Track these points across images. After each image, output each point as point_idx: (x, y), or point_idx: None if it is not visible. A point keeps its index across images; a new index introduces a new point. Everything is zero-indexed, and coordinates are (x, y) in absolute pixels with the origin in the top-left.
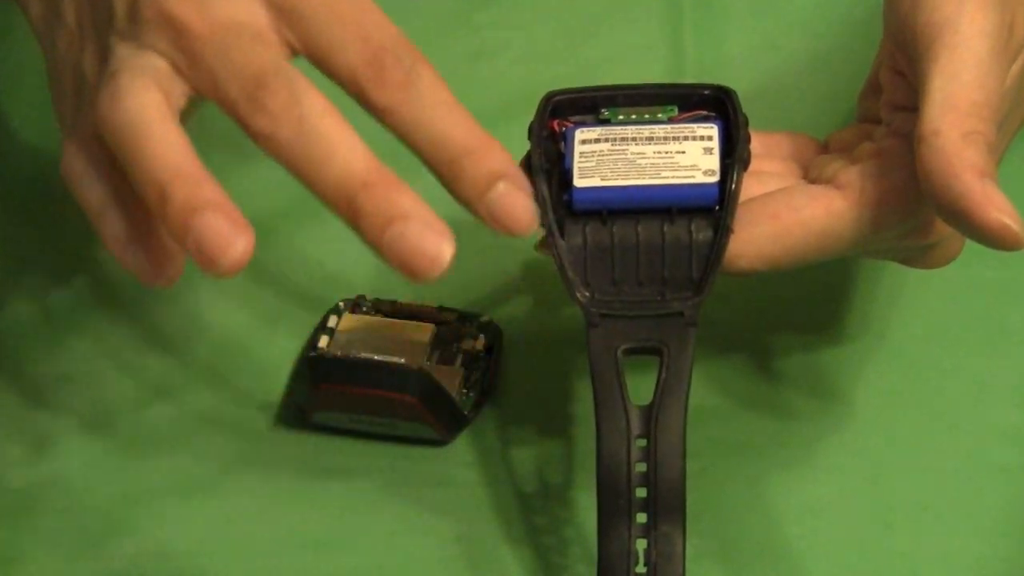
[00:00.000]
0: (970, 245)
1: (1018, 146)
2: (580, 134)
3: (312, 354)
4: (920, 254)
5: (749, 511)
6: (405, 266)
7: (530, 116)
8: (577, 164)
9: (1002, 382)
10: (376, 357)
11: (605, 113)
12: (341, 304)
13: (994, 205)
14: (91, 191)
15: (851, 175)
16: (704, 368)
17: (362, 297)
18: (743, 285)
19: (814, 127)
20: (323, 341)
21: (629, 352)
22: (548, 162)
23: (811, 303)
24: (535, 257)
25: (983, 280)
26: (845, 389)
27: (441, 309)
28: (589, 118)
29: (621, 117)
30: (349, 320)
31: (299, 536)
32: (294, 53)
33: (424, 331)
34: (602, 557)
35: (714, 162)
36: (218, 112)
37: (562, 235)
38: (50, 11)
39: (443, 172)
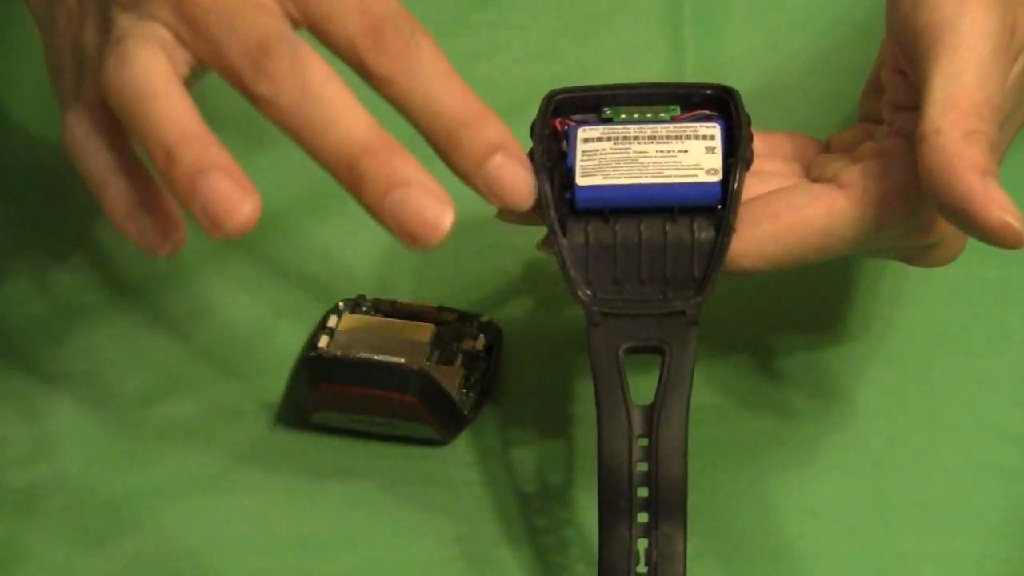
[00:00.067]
0: (971, 245)
1: (1020, 146)
2: (582, 133)
3: (312, 354)
4: (921, 253)
5: (750, 510)
6: (406, 232)
7: (530, 116)
8: (579, 163)
9: (1002, 382)
10: (376, 357)
11: (607, 112)
12: (341, 304)
13: (996, 203)
14: (94, 161)
15: (853, 174)
16: (705, 367)
17: (362, 297)
18: (745, 285)
19: (815, 127)
20: (323, 341)
21: (631, 351)
22: (550, 161)
23: (812, 303)
24: (536, 257)
25: (984, 280)
26: (846, 389)
27: (441, 309)
28: (591, 117)
29: (623, 116)
30: (349, 320)
31: (299, 536)
32: (295, 24)
33: (424, 331)
34: (603, 557)
35: (716, 161)
36: (214, 115)
37: (564, 234)
38: None
39: (440, 143)
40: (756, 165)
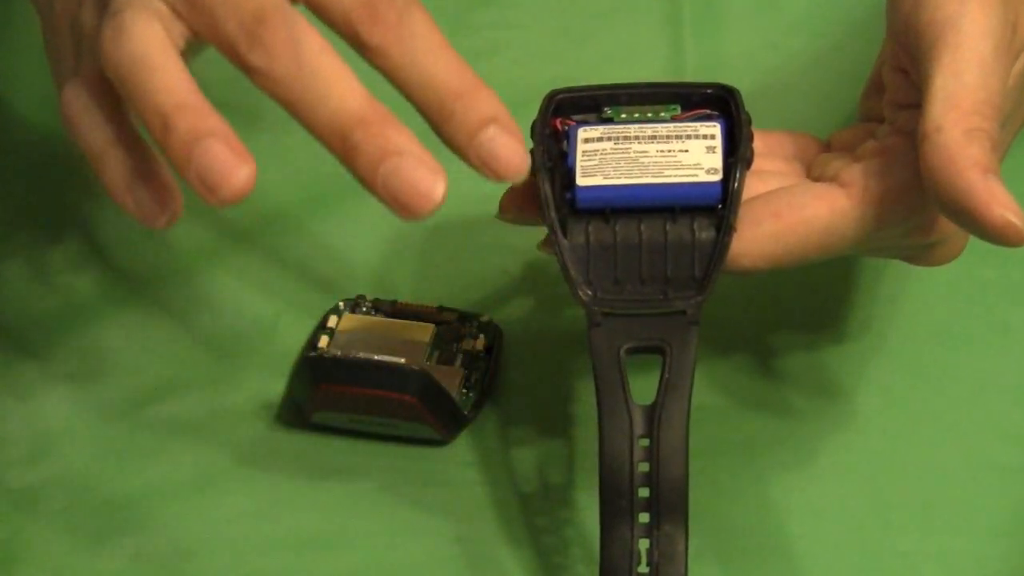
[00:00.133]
0: (972, 244)
1: (1021, 144)
2: (583, 133)
3: (312, 354)
4: (923, 252)
5: (750, 510)
6: (398, 202)
7: (530, 116)
8: (580, 163)
9: (1003, 382)
10: (376, 357)
11: (608, 112)
12: (341, 304)
13: (998, 201)
14: (92, 133)
15: (854, 173)
16: (706, 367)
17: (362, 297)
18: (745, 284)
19: (816, 126)
20: (323, 341)
21: (632, 351)
22: (551, 161)
23: (813, 302)
24: (536, 257)
25: (984, 280)
26: (847, 388)
27: (441, 309)
28: (592, 117)
29: (624, 116)
30: (349, 320)
31: (299, 536)
32: None
33: (424, 331)
34: (604, 557)
35: (717, 161)
36: None
37: (565, 234)
38: None
39: (433, 115)
40: (757, 164)
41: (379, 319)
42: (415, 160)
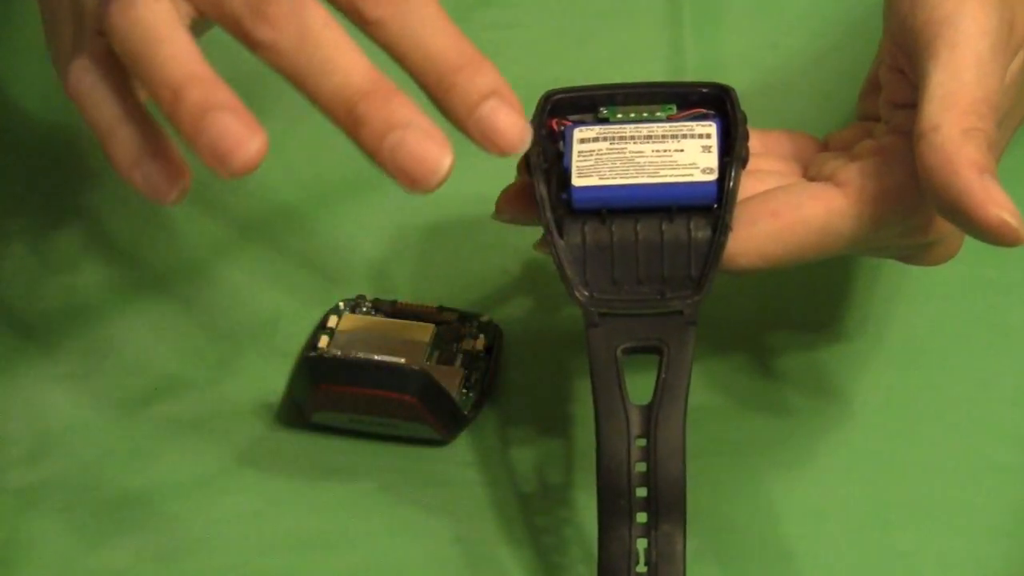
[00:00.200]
0: (970, 244)
1: (1018, 144)
2: (579, 133)
3: (312, 354)
4: (920, 252)
5: (749, 510)
6: (404, 174)
7: (529, 116)
8: (576, 163)
9: (1002, 382)
10: (376, 357)
11: (604, 112)
12: (341, 304)
13: (993, 201)
14: (99, 109)
15: (851, 173)
16: (704, 367)
17: (362, 297)
18: (742, 284)
19: (816, 126)
20: (323, 341)
21: (629, 351)
22: (547, 161)
23: (811, 302)
24: (535, 257)
25: (983, 279)
26: (845, 388)
27: (441, 309)
28: (588, 117)
29: (620, 116)
30: (349, 320)
31: (299, 536)
32: None
33: (424, 331)
34: (602, 557)
35: (713, 160)
36: None
37: (561, 234)
38: None
39: (433, 87)
40: (754, 164)
41: (379, 319)
42: (421, 133)
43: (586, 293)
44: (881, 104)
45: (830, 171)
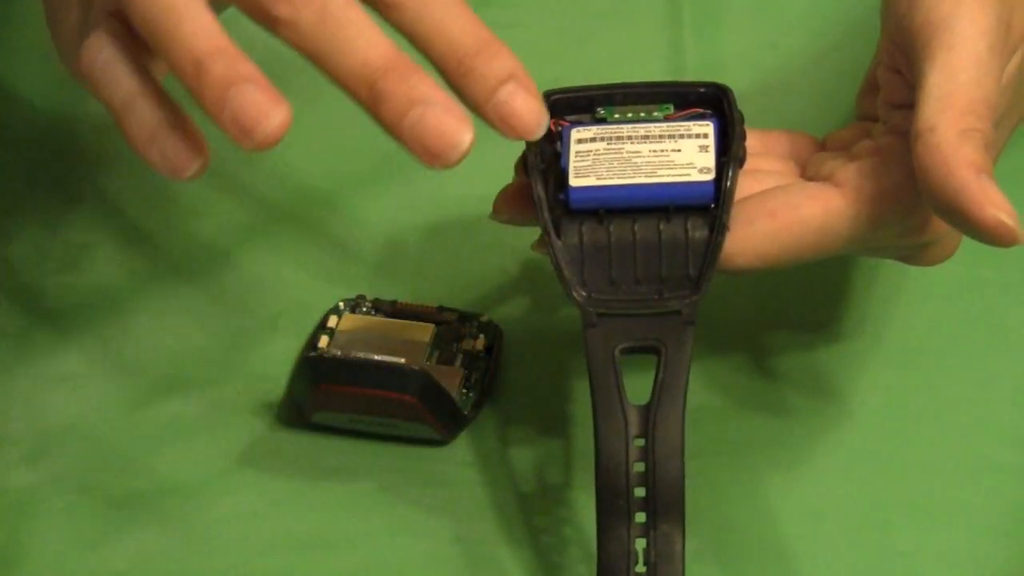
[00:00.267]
0: (968, 244)
1: (1016, 145)
2: (576, 133)
3: (312, 354)
4: (917, 252)
5: (748, 510)
6: (425, 149)
7: None
8: (573, 163)
9: (1001, 382)
10: (376, 357)
11: (601, 112)
12: (341, 304)
13: (990, 201)
14: (114, 86)
15: (849, 173)
16: (702, 367)
17: (362, 297)
18: (740, 284)
19: (815, 126)
20: (323, 341)
21: (627, 351)
22: (544, 161)
23: (809, 302)
24: (535, 257)
25: (981, 279)
26: (843, 388)
27: (441, 309)
28: (585, 117)
29: (617, 116)
30: (349, 320)
31: (299, 536)
32: None
33: (424, 331)
34: (601, 557)
35: (710, 160)
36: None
37: (558, 234)
38: None
39: (451, 71)
40: (752, 164)
41: (379, 319)
42: (442, 108)
43: (584, 293)
44: (879, 104)
45: (828, 171)
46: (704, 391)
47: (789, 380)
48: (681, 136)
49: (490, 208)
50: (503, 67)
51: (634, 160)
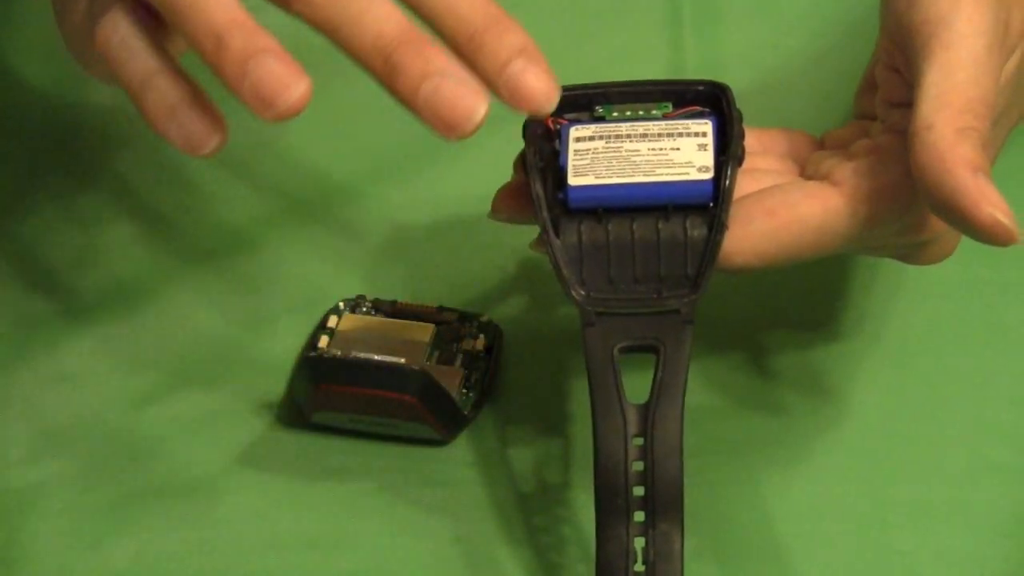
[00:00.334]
0: (967, 243)
1: (1015, 143)
2: (574, 132)
3: (312, 354)
4: (915, 251)
5: (747, 509)
6: (440, 120)
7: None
8: (571, 162)
9: (999, 381)
10: (376, 357)
11: (599, 110)
12: (341, 304)
13: (987, 200)
14: (132, 63)
15: (847, 171)
16: (701, 366)
17: (362, 297)
18: (739, 283)
19: (815, 126)
20: (323, 341)
21: (625, 350)
22: (543, 160)
23: (808, 301)
24: (535, 256)
25: (980, 279)
26: (842, 387)
27: (441, 309)
28: (584, 115)
29: (615, 114)
30: (349, 320)
31: (299, 536)
32: None
33: (424, 331)
34: (600, 556)
35: (709, 158)
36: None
37: (557, 233)
38: None
39: (462, 47)
40: (751, 162)
41: (379, 319)
42: (456, 80)
43: (582, 292)
44: (877, 103)
45: (826, 170)
46: (703, 390)
47: (788, 379)
48: (680, 135)
49: (489, 207)
50: (514, 42)
51: (633, 159)
